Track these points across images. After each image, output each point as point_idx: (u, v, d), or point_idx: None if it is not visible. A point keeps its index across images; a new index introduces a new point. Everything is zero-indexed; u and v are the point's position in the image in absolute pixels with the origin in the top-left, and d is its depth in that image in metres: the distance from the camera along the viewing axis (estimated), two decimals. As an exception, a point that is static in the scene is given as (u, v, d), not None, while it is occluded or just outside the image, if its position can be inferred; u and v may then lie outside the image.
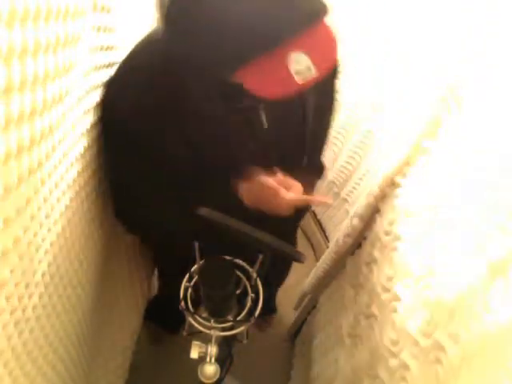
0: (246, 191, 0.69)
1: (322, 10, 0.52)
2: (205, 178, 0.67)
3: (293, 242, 1.11)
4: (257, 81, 0.50)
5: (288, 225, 1.05)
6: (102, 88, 0.66)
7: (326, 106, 0.80)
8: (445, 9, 0.90)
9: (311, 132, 0.76)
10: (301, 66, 0.49)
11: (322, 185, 1.65)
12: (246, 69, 0.49)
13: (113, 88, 0.66)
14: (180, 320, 0.70)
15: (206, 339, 0.67)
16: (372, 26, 1.27)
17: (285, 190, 0.66)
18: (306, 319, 1.31)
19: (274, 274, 1.03)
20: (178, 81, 0.57)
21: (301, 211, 1.03)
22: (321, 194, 1.66)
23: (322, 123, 0.82)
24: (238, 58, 0.49)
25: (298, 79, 0.49)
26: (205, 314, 0.67)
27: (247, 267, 0.72)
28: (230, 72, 0.50)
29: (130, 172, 0.69)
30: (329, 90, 0.77)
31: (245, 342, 0.69)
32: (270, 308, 1.43)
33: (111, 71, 0.74)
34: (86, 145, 0.64)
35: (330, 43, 0.53)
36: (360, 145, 1.39)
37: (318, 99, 0.73)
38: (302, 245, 1.77)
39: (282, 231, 0.65)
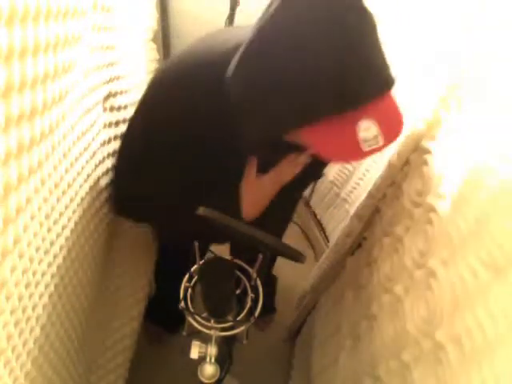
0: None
1: (392, 80, 0.49)
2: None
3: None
4: (323, 140, 0.48)
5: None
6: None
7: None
8: (444, 9, 0.89)
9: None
10: (369, 134, 0.46)
11: (322, 185, 1.65)
12: (313, 126, 0.47)
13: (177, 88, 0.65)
14: (180, 320, 0.70)
15: (205, 339, 0.67)
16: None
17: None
18: (305, 319, 1.31)
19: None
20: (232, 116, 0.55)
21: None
22: (321, 195, 1.67)
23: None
24: (307, 113, 0.46)
25: (364, 147, 0.46)
26: (205, 314, 0.67)
27: (247, 267, 0.72)
28: (293, 126, 0.48)
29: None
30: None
31: (245, 342, 0.69)
32: (269, 308, 1.43)
33: (111, 71, 0.74)
34: (85, 145, 0.64)
35: (397, 116, 0.50)
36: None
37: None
38: (301, 245, 1.77)
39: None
